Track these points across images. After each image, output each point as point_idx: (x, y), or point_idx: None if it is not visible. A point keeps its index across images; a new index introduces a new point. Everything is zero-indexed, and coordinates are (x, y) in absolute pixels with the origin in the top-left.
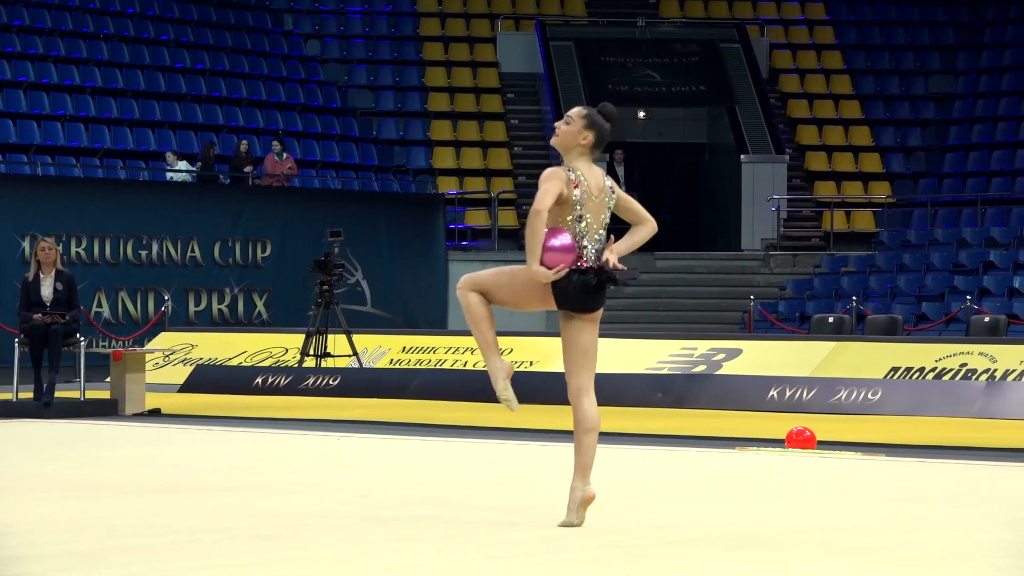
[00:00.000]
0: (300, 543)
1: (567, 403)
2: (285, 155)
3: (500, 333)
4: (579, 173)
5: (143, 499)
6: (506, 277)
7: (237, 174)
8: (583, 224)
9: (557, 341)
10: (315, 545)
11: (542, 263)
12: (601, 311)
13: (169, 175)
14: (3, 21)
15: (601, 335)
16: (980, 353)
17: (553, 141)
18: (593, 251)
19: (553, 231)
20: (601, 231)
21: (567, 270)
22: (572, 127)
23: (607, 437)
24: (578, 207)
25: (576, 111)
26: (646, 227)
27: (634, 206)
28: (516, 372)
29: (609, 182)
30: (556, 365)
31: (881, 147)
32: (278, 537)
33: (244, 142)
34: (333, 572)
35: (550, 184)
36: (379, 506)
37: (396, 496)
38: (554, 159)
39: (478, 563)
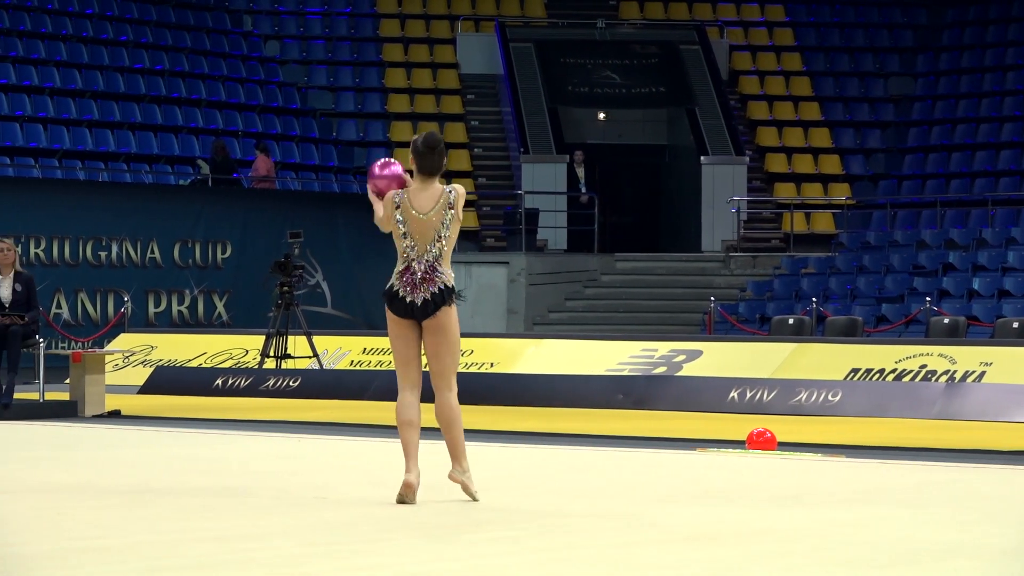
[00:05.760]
0: (258, 544)
1: (529, 404)
2: (258, 154)
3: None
4: (405, 196)
5: (102, 501)
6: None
7: (221, 176)
8: (407, 241)
9: (518, 343)
10: (272, 546)
11: (376, 189)
12: (440, 318)
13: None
14: None
15: (561, 336)
16: (940, 354)
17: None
18: (422, 265)
19: (386, 163)
20: (433, 245)
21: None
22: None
23: (567, 438)
24: (400, 226)
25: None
26: None
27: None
28: (477, 373)
29: (453, 197)
30: (516, 367)
31: (840, 149)
32: (235, 538)
33: (219, 142)
34: (290, 574)
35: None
36: (338, 507)
37: (356, 497)
38: (514, 161)
39: (439, 564)
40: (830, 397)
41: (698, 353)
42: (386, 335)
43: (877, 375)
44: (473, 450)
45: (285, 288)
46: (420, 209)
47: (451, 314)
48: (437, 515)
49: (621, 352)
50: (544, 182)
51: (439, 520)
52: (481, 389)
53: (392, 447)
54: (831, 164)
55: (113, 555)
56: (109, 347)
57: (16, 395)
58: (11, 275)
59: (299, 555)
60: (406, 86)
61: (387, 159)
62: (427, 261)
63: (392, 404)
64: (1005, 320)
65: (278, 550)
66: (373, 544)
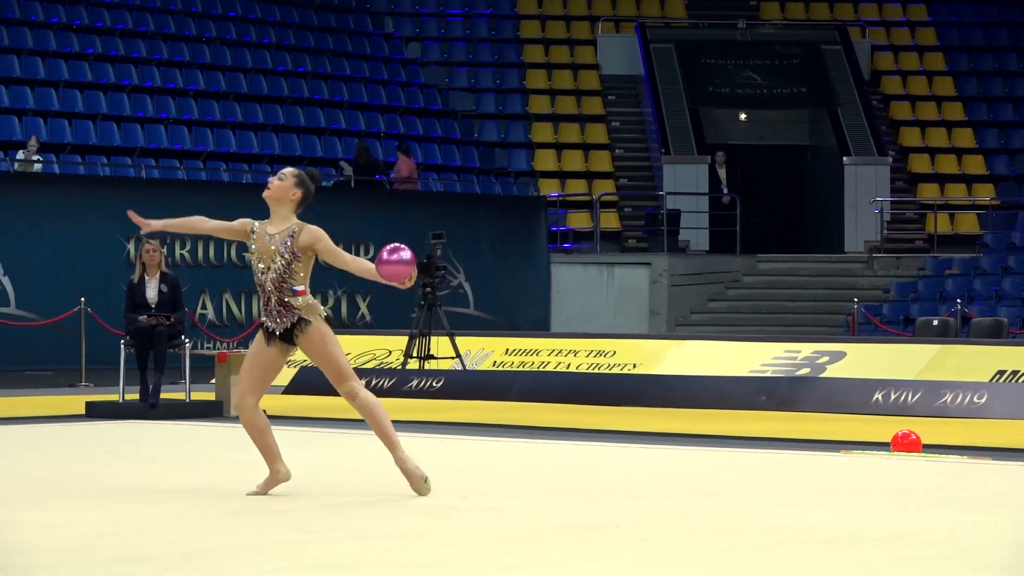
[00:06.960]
0: (395, 544)
1: (672, 405)
2: (400, 156)
3: (601, 336)
4: (261, 227)
5: (241, 500)
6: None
7: (363, 177)
8: (261, 265)
9: (660, 344)
10: (410, 547)
11: (384, 275)
12: (309, 337)
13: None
14: (107, 25)
15: (704, 337)
16: None
17: (266, 194)
18: (271, 289)
19: (395, 248)
20: (276, 274)
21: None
22: (285, 183)
23: (710, 439)
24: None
25: (289, 170)
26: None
27: (341, 258)
28: (619, 374)
29: (297, 230)
30: (658, 368)
31: (984, 149)
32: (373, 538)
33: (363, 144)
34: (426, 574)
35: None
36: (478, 509)
37: (496, 499)
38: (655, 162)
39: (575, 565)
40: (975, 399)
41: (842, 355)
42: (527, 336)
43: (1023, 377)
44: (615, 451)
45: (428, 289)
46: (269, 232)
47: (316, 330)
48: (574, 516)
49: (764, 353)
50: (686, 183)
51: (576, 521)
52: (623, 390)
53: (534, 447)
54: (975, 164)
55: (250, 555)
56: None
57: (163, 395)
58: (157, 276)
59: (436, 555)
60: (547, 87)
61: (397, 244)
62: (272, 288)
63: (532, 405)
64: None
65: (416, 551)
66: (511, 545)
